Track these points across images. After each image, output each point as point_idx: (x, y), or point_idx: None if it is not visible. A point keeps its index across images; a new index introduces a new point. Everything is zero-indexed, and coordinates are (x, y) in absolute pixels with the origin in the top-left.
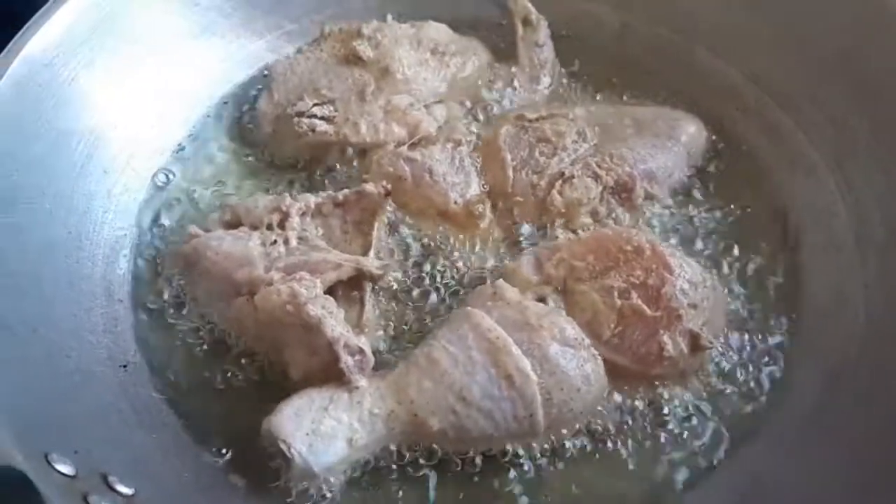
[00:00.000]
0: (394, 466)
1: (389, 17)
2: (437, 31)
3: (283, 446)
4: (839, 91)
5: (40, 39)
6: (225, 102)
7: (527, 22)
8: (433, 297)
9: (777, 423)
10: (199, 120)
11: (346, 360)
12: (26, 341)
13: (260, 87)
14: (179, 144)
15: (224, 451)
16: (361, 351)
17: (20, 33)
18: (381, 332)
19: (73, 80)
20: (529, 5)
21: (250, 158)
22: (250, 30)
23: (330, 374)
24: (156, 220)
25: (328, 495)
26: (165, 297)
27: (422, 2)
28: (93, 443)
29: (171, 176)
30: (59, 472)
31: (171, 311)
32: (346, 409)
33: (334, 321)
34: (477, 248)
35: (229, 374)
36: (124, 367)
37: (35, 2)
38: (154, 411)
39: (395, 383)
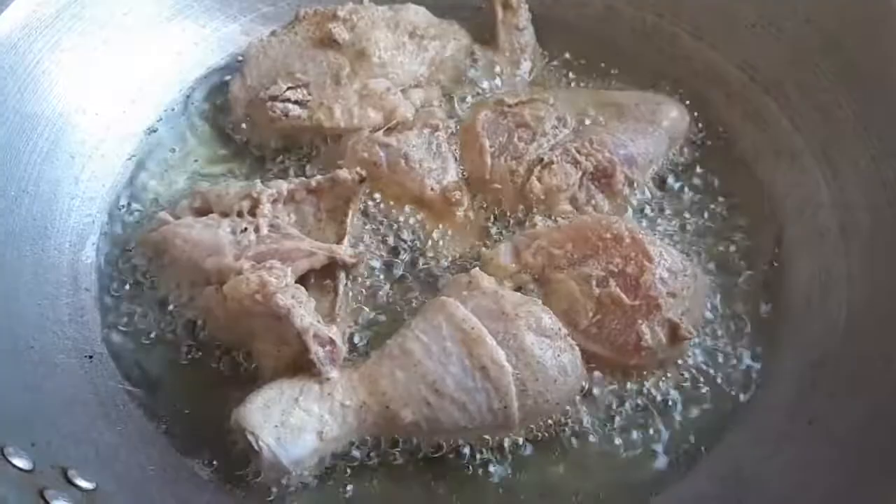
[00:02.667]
0: (367, 458)
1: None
2: (416, 15)
3: (251, 438)
4: (825, 77)
5: (4, 22)
6: (197, 86)
7: (507, 5)
8: (409, 285)
9: (758, 414)
10: (170, 104)
11: (317, 351)
12: None
13: (233, 71)
14: (150, 129)
15: (190, 443)
16: (332, 341)
17: None
18: (354, 322)
19: (37, 62)
20: None
21: (222, 143)
22: (224, 13)
23: (301, 365)
24: (125, 206)
25: (295, 488)
26: (133, 285)
27: None
28: (53, 436)
29: (141, 161)
30: (14, 466)
31: (140, 299)
32: (317, 401)
33: (304, 311)
34: (454, 235)
35: (198, 365)
36: (90, 357)
37: None
38: (119, 403)
39: (368, 374)
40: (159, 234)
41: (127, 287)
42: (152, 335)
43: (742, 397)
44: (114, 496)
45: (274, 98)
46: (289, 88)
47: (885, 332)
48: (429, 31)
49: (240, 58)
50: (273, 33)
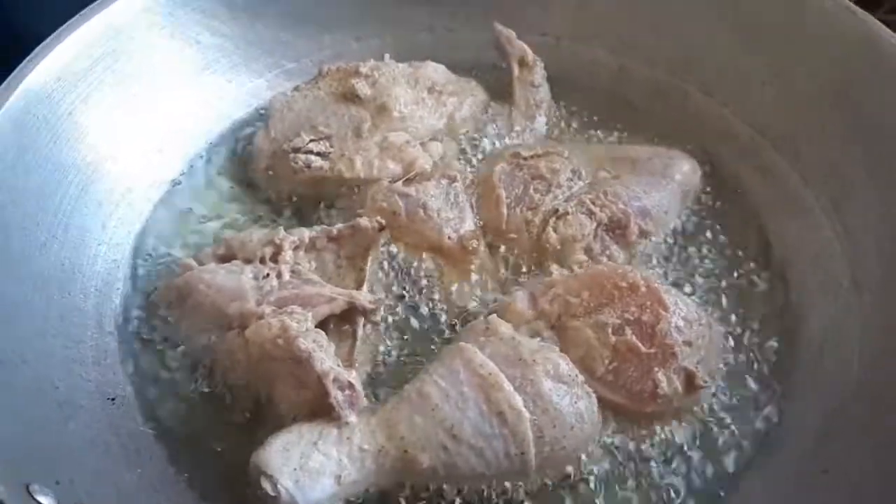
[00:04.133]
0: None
1: (387, 56)
2: (435, 71)
3: (270, 481)
4: (835, 132)
5: (40, 73)
6: (223, 138)
7: (523, 63)
8: (426, 331)
9: (773, 463)
10: (196, 154)
11: (336, 395)
12: (14, 371)
13: (258, 123)
14: (176, 178)
15: (210, 486)
16: (351, 386)
17: (20, 67)
18: (373, 367)
19: (70, 113)
20: (526, 46)
21: (247, 193)
22: (250, 68)
23: (320, 408)
24: (150, 252)
25: None
26: (157, 329)
27: (420, 43)
28: (76, 475)
29: (167, 208)
30: (38, 503)
31: (163, 344)
32: (336, 445)
33: (324, 355)
34: (471, 283)
35: (219, 409)
36: (112, 400)
37: (37, 35)
38: (141, 445)
39: (386, 419)
40: (183, 280)
41: (151, 331)
42: (174, 379)
43: (757, 447)
44: None
45: (297, 150)
46: (311, 141)
47: None
48: (447, 87)
49: (263, 111)
50: (297, 88)
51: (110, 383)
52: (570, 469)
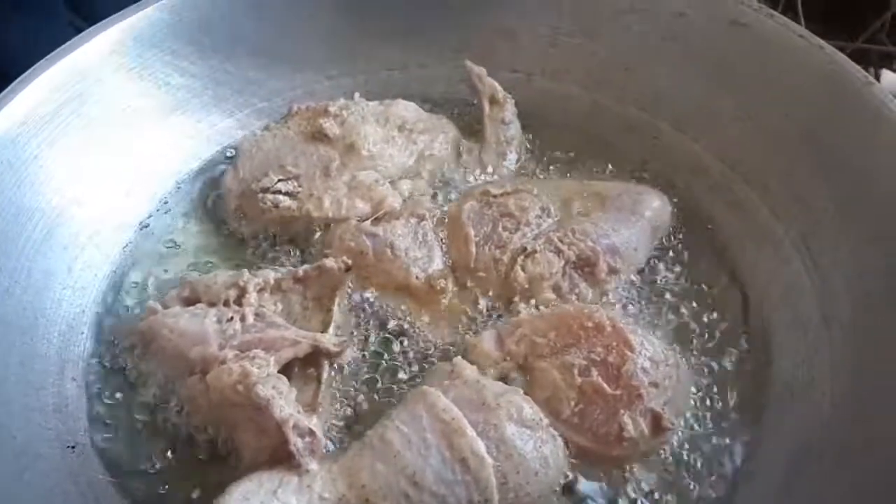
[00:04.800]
0: None
1: (357, 94)
2: (406, 109)
3: None
4: (804, 167)
5: (4, 117)
6: (192, 178)
7: (494, 100)
8: (393, 373)
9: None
10: (164, 195)
11: (296, 442)
12: None
13: (227, 163)
14: (143, 221)
15: None
16: (312, 433)
17: None
18: (336, 412)
19: (35, 157)
20: (496, 84)
21: (215, 233)
22: (220, 108)
23: (281, 456)
24: (117, 296)
25: None
26: (121, 375)
27: (392, 81)
28: None
29: (134, 251)
30: None
31: (125, 389)
32: (296, 493)
33: (283, 402)
34: (439, 323)
35: (182, 455)
36: (72, 448)
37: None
38: (100, 494)
39: (348, 466)
40: (146, 324)
41: (113, 377)
42: (136, 426)
43: (727, 487)
44: None
45: (265, 190)
46: (279, 181)
47: (868, 419)
48: (417, 125)
49: (232, 150)
50: (266, 128)
51: (70, 431)
52: None
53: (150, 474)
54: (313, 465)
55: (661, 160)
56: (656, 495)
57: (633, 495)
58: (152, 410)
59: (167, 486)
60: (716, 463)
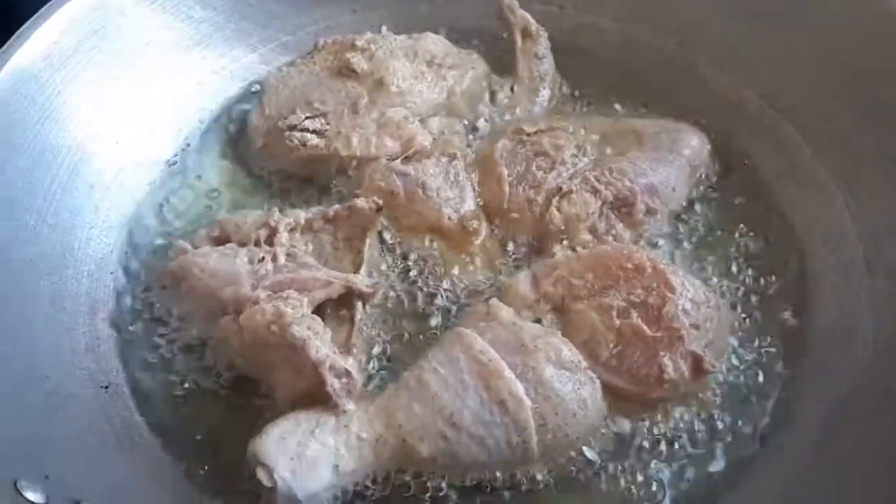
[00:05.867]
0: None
1: (384, 28)
2: (434, 43)
3: (266, 472)
4: (848, 107)
5: (27, 52)
6: (217, 116)
7: (526, 33)
8: (426, 316)
9: (781, 452)
10: (190, 134)
11: (333, 383)
12: (4, 360)
13: (253, 100)
14: (169, 159)
15: (206, 475)
16: (348, 373)
17: (6, 45)
18: (371, 353)
19: (58, 93)
20: (529, 17)
21: (242, 172)
22: (244, 42)
23: (317, 396)
24: (144, 235)
25: None
26: (152, 315)
27: (419, 14)
28: (67, 467)
29: (160, 190)
30: (27, 499)
31: (157, 329)
32: (333, 434)
33: (320, 342)
34: (472, 265)
35: (215, 396)
36: (105, 388)
37: (23, 13)
38: (135, 434)
39: (384, 407)
40: (177, 264)
41: (145, 317)
42: (169, 366)
43: (764, 435)
44: None
45: (292, 128)
46: (307, 118)
47: None
48: (447, 59)
49: (257, 87)
50: (292, 63)
51: (103, 371)
52: (573, 456)
53: (183, 414)
54: (350, 406)
55: (698, 96)
56: (693, 438)
57: (670, 437)
58: (184, 350)
59: (201, 426)
60: (755, 407)
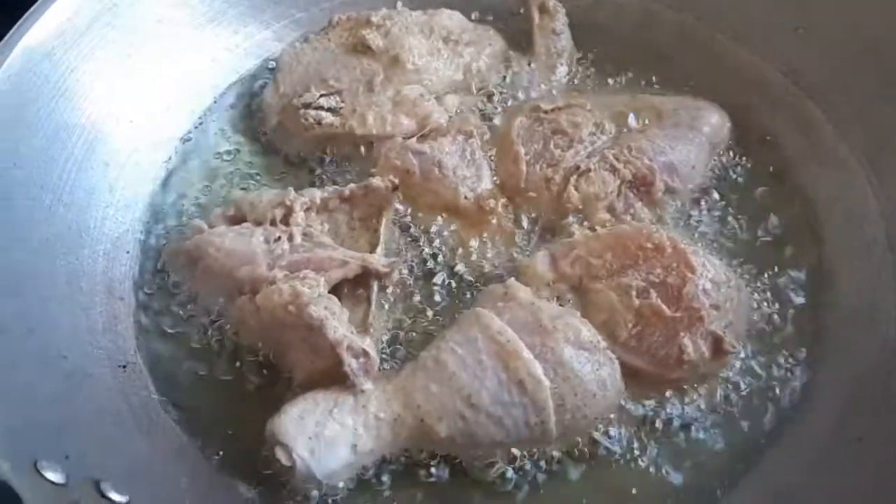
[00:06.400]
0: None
1: (399, 4)
2: (450, 19)
3: (285, 451)
4: (870, 83)
5: (39, 30)
6: (231, 93)
7: (543, 9)
8: (443, 296)
9: (802, 431)
10: (204, 111)
11: (350, 363)
12: (21, 341)
13: (267, 77)
14: (184, 137)
15: (224, 454)
16: (366, 353)
17: (19, 23)
18: (388, 333)
19: (72, 71)
20: None
21: (257, 151)
22: (257, 19)
23: (334, 376)
24: (159, 214)
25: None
26: (168, 294)
27: None
28: (86, 447)
29: (175, 169)
30: (47, 480)
31: (174, 309)
32: (351, 413)
33: (337, 322)
34: (489, 244)
35: (232, 375)
36: (123, 367)
37: None
38: (153, 414)
39: (402, 387)
40: (192, 244)
41: (161, 296)
42: (186, 345)
43: (784, 415)
44: None
45: (307, 105)
46: (322, 96)
47: None
48: (463, 36)
49: (271, 63)
50: (306, 40)
51: (121, 350)
52: (592, 436)
53: (201, 393)
54: (368, 386)
55: (719, 72)
56: (714, 419)
57: (690, 418)
58: (201, 330)
59: (219, 405)
60: (776, 386)
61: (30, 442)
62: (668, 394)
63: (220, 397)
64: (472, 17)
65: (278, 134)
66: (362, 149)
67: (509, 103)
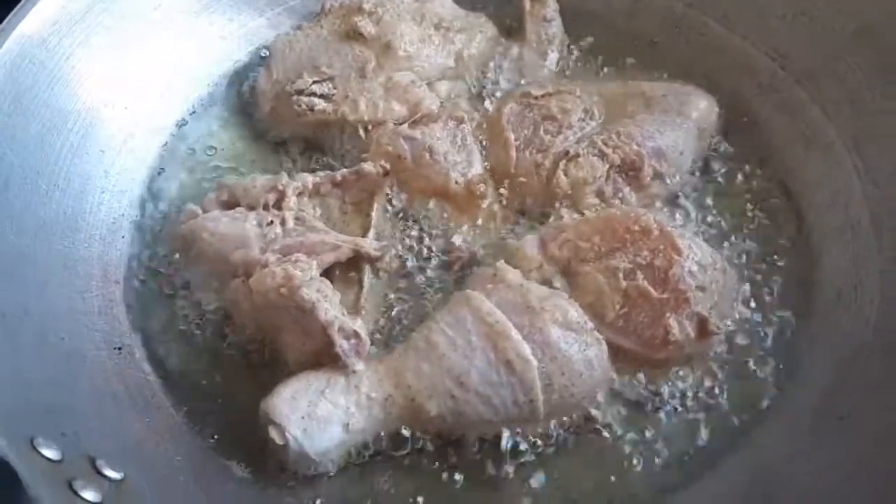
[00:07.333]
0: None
1: None
2: (442, 6)
3: (278, 430)
4: (858, 67)
5: (35, 17)
6: (224, 80)
7: None
8: (433, 278)
9: (787, 410)
10: (198, 99)
11: (342, 344)
12: (18, 324)
13: (261, 64)
14: (178, 123)
15: (218, 434)
16: (357, 334)
17: (14, 10)
18: (379, 315)
19: (68, 58)
20: None
21: (250, 137)
22: (251, 6)
23: (326, 357)
24: (154, 199)
25: (324, 479)
26: (163, 278)
27: None
28: (82, 426)
29: (169, 155)
30: (44, 456)
31: (169, 292)
32: (343, 393)
33: (328, 305)
34: (479, 228)
35: (225, 357)
36: (118, 349)
37: None
38: (147, 394)
39: (393, 367)
40: (187, 228)
41: (156, 280)
42: (181, 327)
43: (771, 393)
44: (141, 486)
45: (300, 92)
46: (314, 82)
47: None
48: (455, 23)
49: (265, 51)
50: (299, 27)
51: (117, 332)
52: (579, 415)
53: (195, 374)
54: (359, 366)
55: (708, 58)
56: (700, 399)
57: (676, 398)
58: (195, 312)
59: (213, 386)
60: (760, 367)
61: (27, 420)
62: (654, 373)
63: (214, 378)
64: (464, 4)
65: (271, 120)
66: (355, 134)
67: (500, 90)
